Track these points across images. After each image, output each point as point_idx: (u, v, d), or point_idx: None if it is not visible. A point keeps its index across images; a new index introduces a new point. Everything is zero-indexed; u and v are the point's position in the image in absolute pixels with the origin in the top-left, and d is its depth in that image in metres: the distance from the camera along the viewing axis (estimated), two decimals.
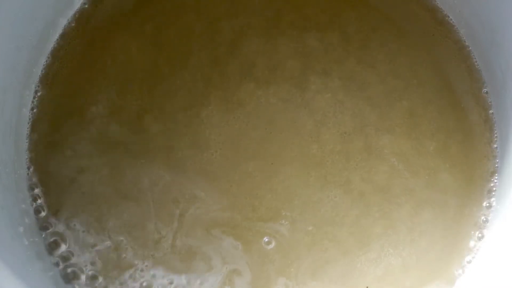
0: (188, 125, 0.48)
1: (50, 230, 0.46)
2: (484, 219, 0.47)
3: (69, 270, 0.45)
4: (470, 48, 0.50)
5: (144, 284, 0.45)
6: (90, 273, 0.45)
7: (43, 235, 0.45)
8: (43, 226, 0.45)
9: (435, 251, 0.47)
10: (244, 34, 0.50)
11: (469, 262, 0.47)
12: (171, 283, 0.45)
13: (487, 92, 0.49)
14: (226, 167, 0.47)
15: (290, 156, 0.48)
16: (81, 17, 0.49)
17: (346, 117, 0.49)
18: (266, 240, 0.46)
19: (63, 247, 0.45)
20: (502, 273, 0.43)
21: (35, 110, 0.47)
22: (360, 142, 0.48)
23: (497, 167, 0.48)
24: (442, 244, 0.47)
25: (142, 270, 0.45)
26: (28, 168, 0.46)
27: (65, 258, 0.45)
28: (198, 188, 0.47)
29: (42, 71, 0.48)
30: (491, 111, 0.49)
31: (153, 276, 0.45)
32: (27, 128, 0.47)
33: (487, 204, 0.48)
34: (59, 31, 0.49)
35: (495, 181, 0.48)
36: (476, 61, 0.50)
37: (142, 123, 0.48)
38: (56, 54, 0.48)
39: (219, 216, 0.47)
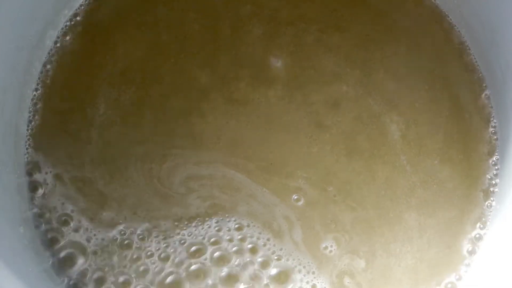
0: (187, 125, 0.48)
1: (51, 229, 0.46)
2: (484, 219, 0.47)
3: (68, 268, 0.45)
4: (470, 48, 0.50)
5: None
6: (93, 272, 0.45)
7: (43, 235, 0.45)
8: (44, 225, 0.45)
9: (436, 251, 0.47)
10: (244, 34, 0.50)
11: (469, 262, 0.47)
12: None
13: (487, 92, 0.49)
14: (226, 167, 0.47)
15: (290, 156, 0.48)
16: (81, 17, 0.49)
17: (347, 117, 0.49)
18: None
19: (62, 246, 0.45)
20: (502, 273, 0.43)
21: (35, 110, 0.47)
22: (361, 141, 0.48)
23: (497, 167, 0.48)
24: (442, 244, 0.47)
25: None
26: (28, 168, 0.46)
27: (65, 258, 0.45)
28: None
29: (42, 71, 0.48)
30: (491, 111, 0.49)
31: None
32: (27, 128, 0.47)
33: (487, 204, 0.48)
34: (59, 31, 0.49)
35: (495, 181, 0.48)
36: (476, 61, 0.50)
37: (142, 123, 0.48)
38: (56, 54, 0.49)
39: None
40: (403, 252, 0.46)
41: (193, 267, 0.45)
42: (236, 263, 0.46)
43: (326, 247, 0.46)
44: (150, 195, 0.46)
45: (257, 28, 0.50)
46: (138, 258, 0.45)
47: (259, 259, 0.46)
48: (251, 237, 0.46)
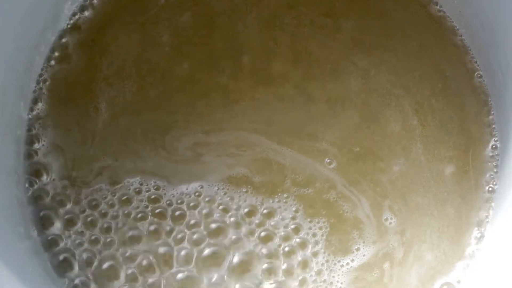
0: (185, 123, 0.48)
1: (51, 231, 0.46)
2: (484, 219, 0.47)
3: (67, 269, 0.45)
4: (470, 48, 0.50)
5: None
6: (90, 274, 0.45)
7: (43, 235, 0.45)
8: (44, 226, 0.45)
9: (435, 252, 0.47)
10: (242, 33, 0.50)
11: (469, 262, 0.47)
12: None
13: (487, 92, 0.49)
14: (239, 131, 0.48)
15: (309, 121, 0.48)
16: (81, 17, 0.49)
17: (347, 115, 0.49)
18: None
19: (61, 247, 0.45)
20: (502, 274, 0.43)
21: (35, 111, 0.47)
22: (363, 139, 0.48)
23: (497, 167, 0.48)
24: (442, 244, 0.47)
25: None
26: (29, 168, 0.46)
27: (64, 259, 0.45)
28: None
29: (41, 71, 0.48)
30: (491, 112, 0.49)
31: None
32: (27, 128, 0.47)
33: (487, 204, 0.48)
34: (59, 31, 0.49)
35: (495, 181, 0.48)
36: (476, 61, 0.50)
37: (141, 123, 0.48)
38: (56, 54, 0.49)
39: None
40: (424, 254, 0.47)
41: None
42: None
43: (386, 219, 0.47)
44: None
45: (256, 29, 0.50)
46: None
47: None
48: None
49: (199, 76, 0.49)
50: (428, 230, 0.47)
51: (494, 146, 0.49)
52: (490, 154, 0.48)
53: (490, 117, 0.49)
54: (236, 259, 0.45)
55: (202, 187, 0.46)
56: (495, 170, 0.48)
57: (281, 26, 0.50)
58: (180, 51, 0.49)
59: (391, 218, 0.47)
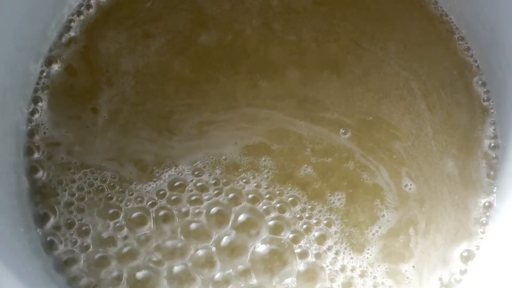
0: (188, 107, 0.48)
1: (51, 231, 0.46)
2: (484, 219, 0.47)
3: (68, 268, 0.45)
4: (470, 48, 0.50)
5: None
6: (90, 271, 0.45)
7: (42, 235, 0.45)
8: (44, 225, 0.45)
9: (435, 251, 0.47)
10: (236, 23, 0.50)
11: (469, 263, 0.47)
12: None
13: (487, 92, 0.50)
14: (248, 107, 0.48)
15: (319, 93, 0.49)
16: (80, 17, 0.50)
17: (354, 87, 0.49)
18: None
19: (61, 247, 0.45)
20: (502, 273, 0.43)
21: (35, 111, 0.47)
22: (373, 109, 0.49)
23: (497, 167, 0.48)
24: (441, 244, 0.47)
25: None
26: (29, 168, 0.46)
27: (64, 258, 0.45)
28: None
29: (41, 71, 0.48)
30: (491, 111, 0.49)
31: None
32: (27, 129, 0.47)
33: (487, 204, 0.48)
34: (58, 31, 0.49)
35: (495, 181, 0.48)
36: (476, 61, 0.50)
37: (140, 125, 0.48)
38: (56, 55, 0.49)
39: None
40: (438, 244, 0.47)
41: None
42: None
43: (406, 185, 0.47)
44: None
45: (254, 29, 0.50)
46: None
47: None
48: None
49: (198, 67, 0.49)
50: (444, 227, 0.47)
51: (494, 147, 0.49)
52: (490, 155, 0.48)
53: (490, 116, 0.49)
54: (271, 222, 0.46)
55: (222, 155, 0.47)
56: (495, 169, 0.48)
57: (274, 14, 0.50)
58: (175, 46, 0.49)
59: (411, 184, 0.47)
